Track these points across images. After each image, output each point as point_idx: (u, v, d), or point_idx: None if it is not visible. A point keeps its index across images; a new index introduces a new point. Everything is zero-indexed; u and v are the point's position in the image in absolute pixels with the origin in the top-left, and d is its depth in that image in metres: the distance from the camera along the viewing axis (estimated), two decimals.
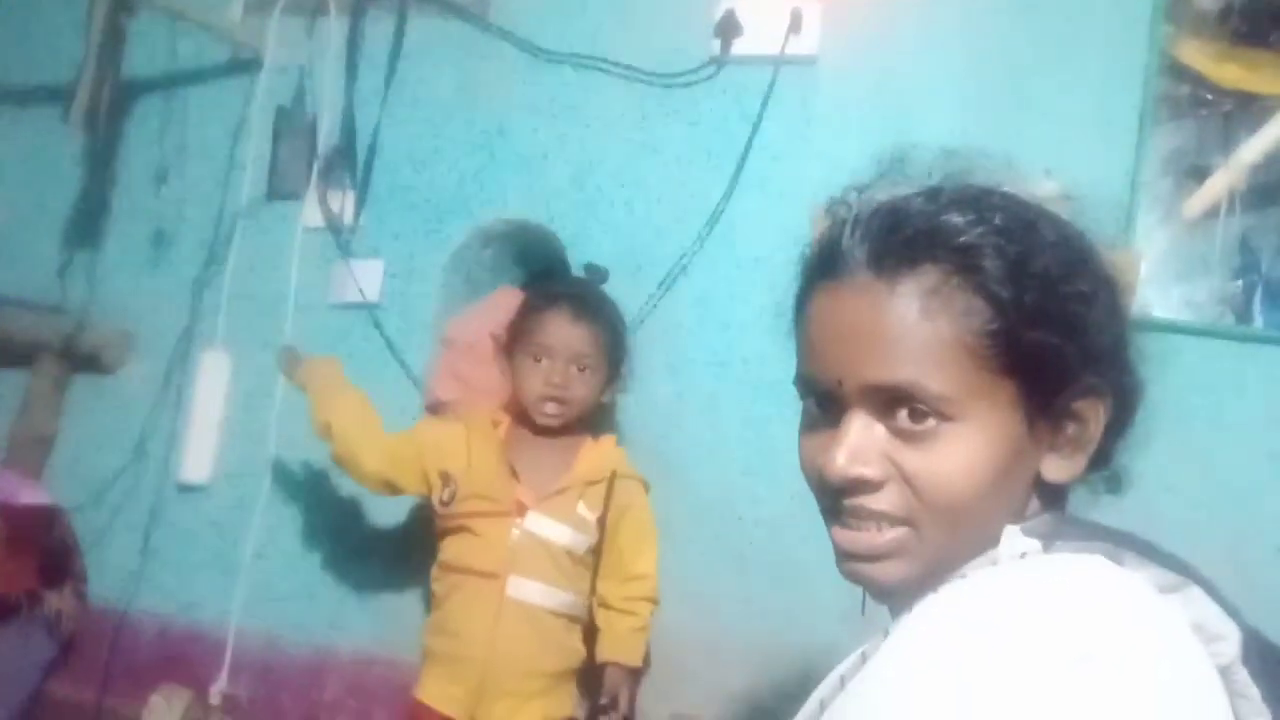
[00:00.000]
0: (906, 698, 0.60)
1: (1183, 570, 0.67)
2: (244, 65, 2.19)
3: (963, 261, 0.66)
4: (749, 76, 1.78)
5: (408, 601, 1.92)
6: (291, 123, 2.15)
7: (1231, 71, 1.53)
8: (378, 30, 2.11)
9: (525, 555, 1.58)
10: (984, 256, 0.66)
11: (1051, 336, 0.67)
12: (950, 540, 0.68)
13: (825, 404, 0.72)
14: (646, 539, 1.66)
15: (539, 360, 1.62)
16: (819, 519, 1.74)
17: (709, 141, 1.82)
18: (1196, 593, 0.65)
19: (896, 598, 0.71)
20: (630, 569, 1.64)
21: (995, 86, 1.67)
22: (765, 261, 1.77)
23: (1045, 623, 0.59)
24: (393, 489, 1.71)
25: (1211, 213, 1.51)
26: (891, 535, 0.69)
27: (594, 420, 1.75)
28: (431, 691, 1.60)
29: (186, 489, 2.13)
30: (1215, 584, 0.66)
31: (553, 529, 1.60)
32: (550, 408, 1.62)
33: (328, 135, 2.13)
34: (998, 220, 0.68)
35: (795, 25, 1.73)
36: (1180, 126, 1.55)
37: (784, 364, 1.80)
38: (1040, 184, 0.76)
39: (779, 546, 1.70)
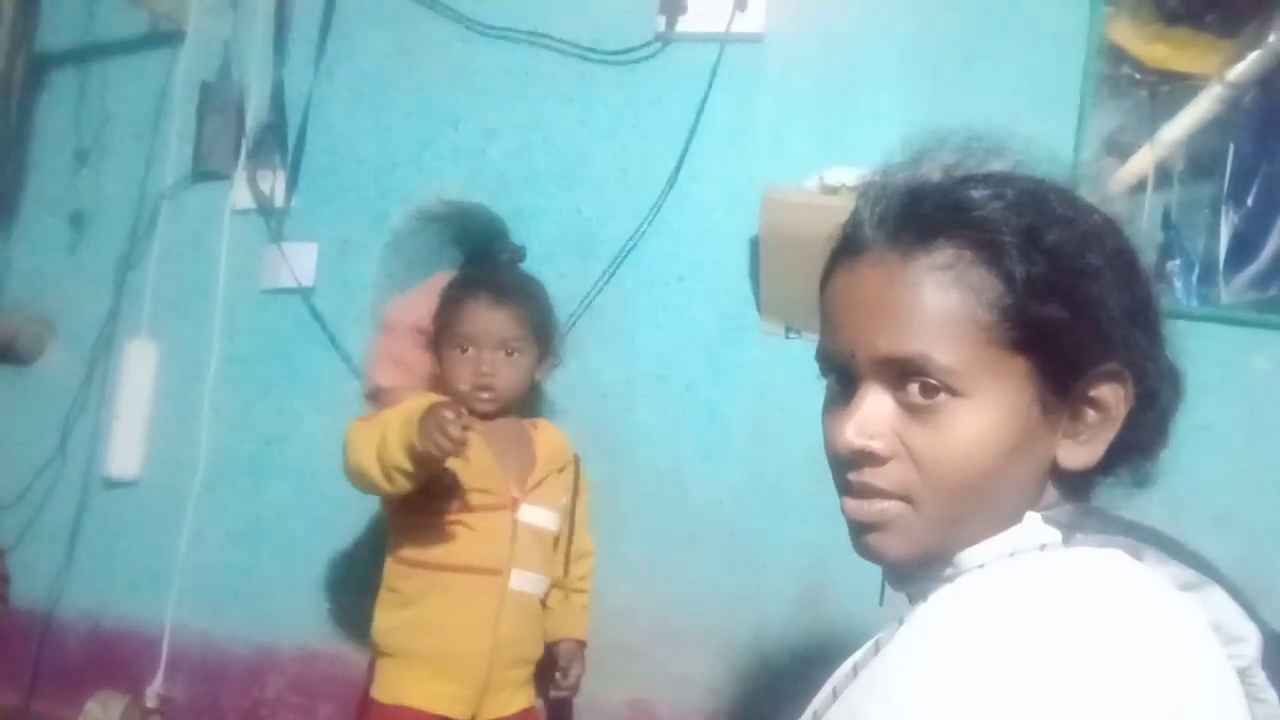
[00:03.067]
0: (921, 689, 0.62)
1: (1204, 569, 0.68)
2: (164, 37, 2.20)
3: (975, 237, 0.69)
4: (695, 54, 1.85)
5: (350, 594, 1.97)
6: (217, 98, 2.17)
7: (1160, 51, 1.64)
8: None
9: (523, 547, 1.65)
10: (996, 232, 0.69)
11: (1062, 312, 0.69)
12: (951, 518, 0.71)
13: (842, 379, 0.75)
14: (587, 516, 1.79)
15: (465, 350, 1.67)
16: (769, 502, 1.84)
17: (655, 120, 1.89)
18: (1217, 592, 0.67)
19: (910, 579, 0.76)
20: (582, 547, 1.76)
21: (940, 66, 1.75)
22: (713, 241, 1.85)
23: (1062, 619, 0.61)
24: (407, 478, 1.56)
25: (1138, 190, 1.62)
26: (885, 506, 0.72)
27: (528, 401, 1.81)
28: (420, 693, 1.60)
29: (113, 484, 2.15)
30: (1237, 585, 0.68)
31: (544, 518, 1.68)
32: (483, 395, 1.67)
33: (256, 112, 2.15)
34: (1010, 196, 0.71)
35: (741, 3, 1.80)
36: (1120, 106, 1.66)
37: (734, 344, 1.89)
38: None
39: (731, 529, 1.78)
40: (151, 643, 2.04)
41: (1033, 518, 0.71)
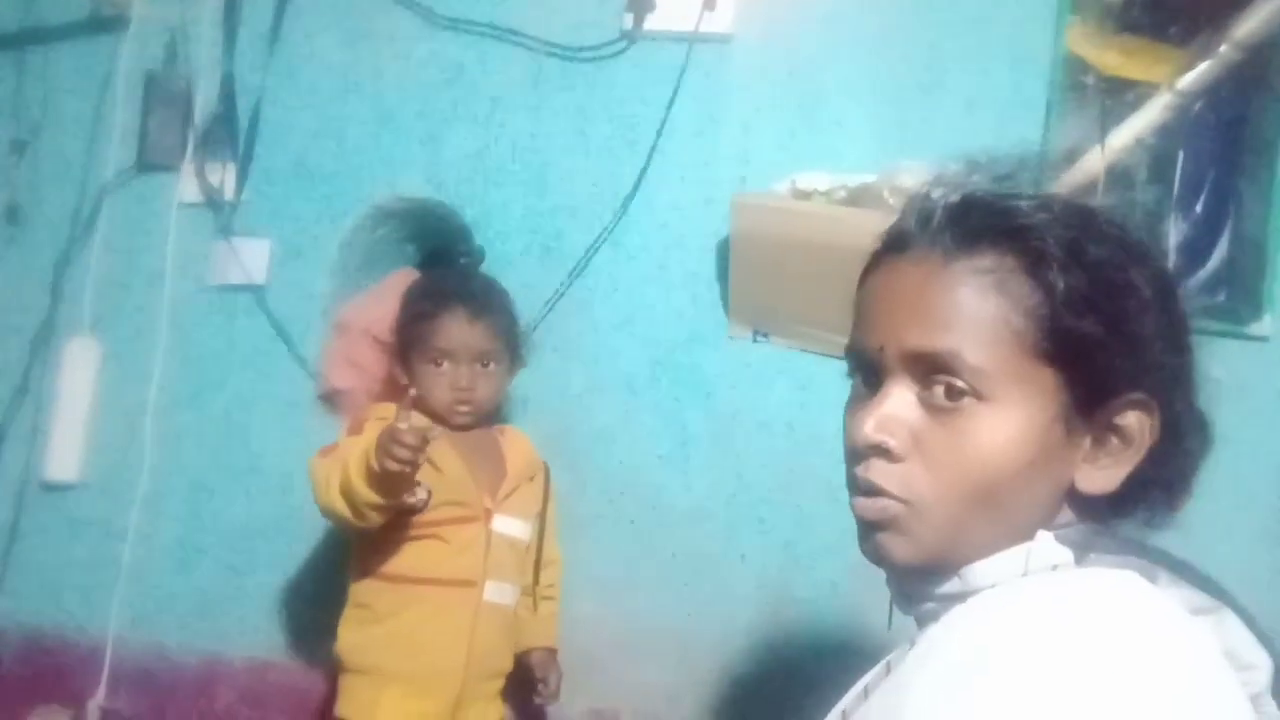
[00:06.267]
0: (936, 709, 0.65)
1: (1217, 594, 0.71)
2: (108, 23, 2.20)
3: (1020, 245, 0.73)
4: (662, 53, 1.90)
5: (303, 602, 2.01)
6: (163, 88, 2.18)
7: (1111, 58, 1.72)
8: None
9: (496, 558, 1.69)
10: (1041, 241, 0.72)
11: (1097, 328, 0.72)
12: (957, 525, 0.73)
13: (869, 377, 0.79)
14: (555, 524, 1.85)
15: (440, 364, 1.71)
16: (735, 509, 1.91)
17: (620, 119, 1.94)
18: (1229, 617, 0.70)
19: (918, 600, 0.78)
20: (551, 554, 1.82)
21: (907, 70, 1.83)
22: (680, 243, 1.91)
23: (1074, 641, 0.63)
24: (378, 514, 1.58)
25: (1089, 195, 1.70)
26: (887, 504, 0.75)
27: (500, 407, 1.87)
28: (394, 710, 1.62)
29: (52, 488, 2.16)
30: (1250, 611, 0.71)
31: (517, 528, 1.73)
32: (462, 408, 1.72)
33: (205, 102, 2.17)
34: (1057, 209, 0.75)
35: (710, 2, 1.85)
36: (1083, 114, 1.74)
37: (701, 348, 1.95)
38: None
39: (695, 537, 1.85)
40: (94, 654, 2.06)
41: (1045, 536, 0.73)
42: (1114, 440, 0.74)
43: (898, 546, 0.75)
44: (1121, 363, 0.73)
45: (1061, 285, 0.71)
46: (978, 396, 0.72)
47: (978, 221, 0.75)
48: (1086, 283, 0.72)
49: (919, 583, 0.78)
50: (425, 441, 1.47)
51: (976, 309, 0.72)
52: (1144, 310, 0.73)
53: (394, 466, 1.45)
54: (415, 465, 1.48)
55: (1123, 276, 0.73)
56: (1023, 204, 0.75)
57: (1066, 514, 0.76)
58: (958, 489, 0.73)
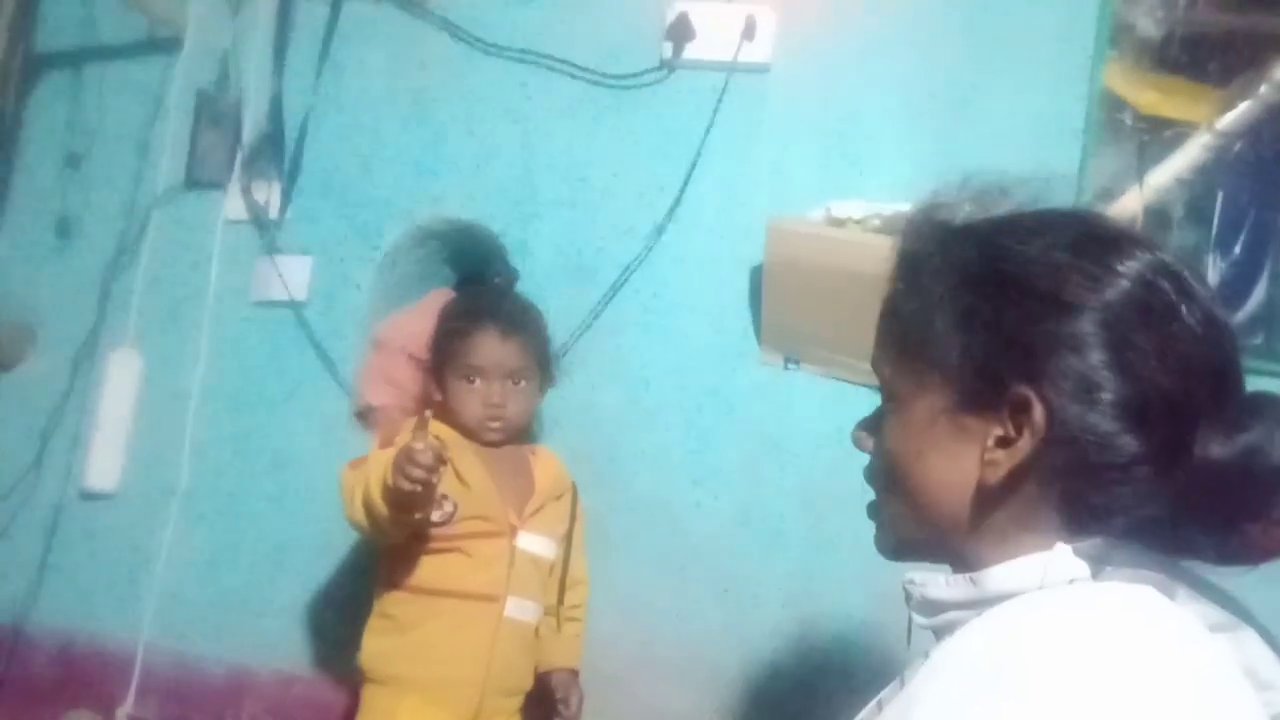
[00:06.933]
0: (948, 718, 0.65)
1: (1237, 611, 0.71)
2: (163, 43, 2.28)
3: (907, 265, 0.85)
4: (701, 81, 1.94)
5: (330, 617, 2.03)
6: (214, 107, 2.25)
7: (1150, 98, 1.74)
8: (309, 11, 2.21)
9: (520, 575, 1.72)
10: (914, 260, 0.84)
11: (945, 327, 0.79)
12: (895, 513, 0.84)
13: None
14: (583, 544, 1.87)
15: (472, 381, 1.76)
16: (761, 533, 1.92)
17: (658, 146, 1.98)
18: (1249, 635, 0.70)
19: (935, 612, 0.79)
20: (576, 574, 1.83)
21: (944, 102, 1.85)
22: (714, 269, 1.94)
23: (1086, 657, 0.63)
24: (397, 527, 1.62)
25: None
26: (871, 500, 0.88)
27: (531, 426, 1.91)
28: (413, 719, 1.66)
29: (91, 497, 2.21)
30: (1270, 630, 0.72)
31: (542, 545, 1.76)
32: (493, 425, 1.76)
33: (253, 122, 2.23)
34: (956, 227, 0.82)
35: (749, 32, 1.89)
36: (1119, 151, 1.76)
37: (731, 373, 1.97)
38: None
39: (720, 560, 1.86)
40: (124, 662, 2.09)
41: (1062, 549, 0.73)
42: (1014, 435, 0.75)
43: (876, 535, 0.88)
44: (985, 358, 0.76)
45: (923, 293, 0.81)
46: (891, 400, 0.84)
47: (898, 248, 0.86)
48: (938, 290, 0.80)
49: (919, 584, 0.81)
50: (441, 460, 1.51)
51: (887, 325, 0.86)
52: (980, 310, 0.77)
53: (407, 486, 1.48)
54: (430, 485, 1.51)
55: (972, 279, 0.78)
56: (916, 228, 0.85)
57: (1055, 523, 0.75)
58: (881, 481, 0.86)
